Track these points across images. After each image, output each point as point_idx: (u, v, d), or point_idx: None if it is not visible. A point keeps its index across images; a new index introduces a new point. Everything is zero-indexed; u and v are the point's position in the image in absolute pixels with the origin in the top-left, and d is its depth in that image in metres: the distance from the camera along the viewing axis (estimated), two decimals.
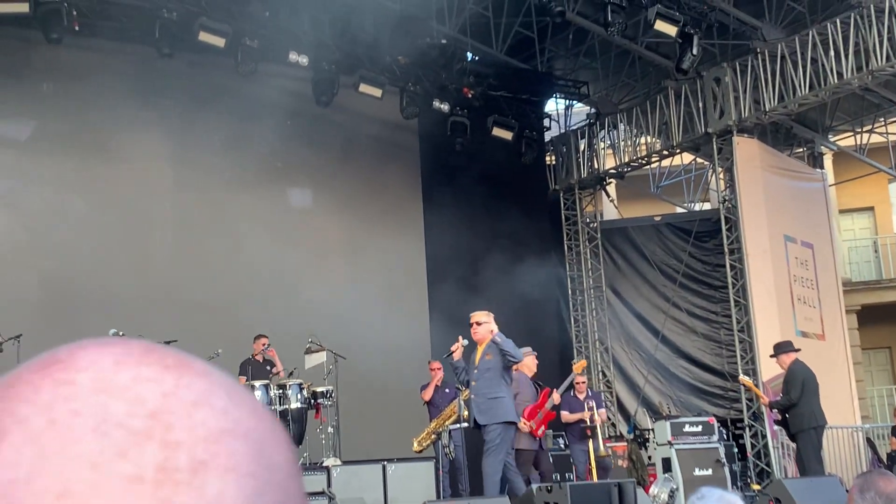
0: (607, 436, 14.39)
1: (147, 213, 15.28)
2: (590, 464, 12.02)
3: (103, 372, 0.53)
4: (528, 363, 11.64)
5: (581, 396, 12.74)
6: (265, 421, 0.57)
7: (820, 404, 11.30)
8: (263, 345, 12.76)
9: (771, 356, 12.22)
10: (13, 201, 14.61)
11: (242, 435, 0.53)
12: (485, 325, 9.75)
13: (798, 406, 11.11)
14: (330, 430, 12.28)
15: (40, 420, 0.50)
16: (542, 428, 11.39)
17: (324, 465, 11.47)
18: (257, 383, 11.80)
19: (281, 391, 11.75)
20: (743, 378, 14.23)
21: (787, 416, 11.34)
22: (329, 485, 10.91)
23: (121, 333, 11.03)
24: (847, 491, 10.08)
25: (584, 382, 13.71)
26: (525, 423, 11.18)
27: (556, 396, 11.48)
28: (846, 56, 14.33)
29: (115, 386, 0.52)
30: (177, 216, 15.58)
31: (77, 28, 13.89)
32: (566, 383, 12.76)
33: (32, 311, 13.90)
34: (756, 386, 13.67)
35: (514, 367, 12.23)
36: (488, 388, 9.56)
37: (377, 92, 15.87)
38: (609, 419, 15.29)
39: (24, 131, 14.98)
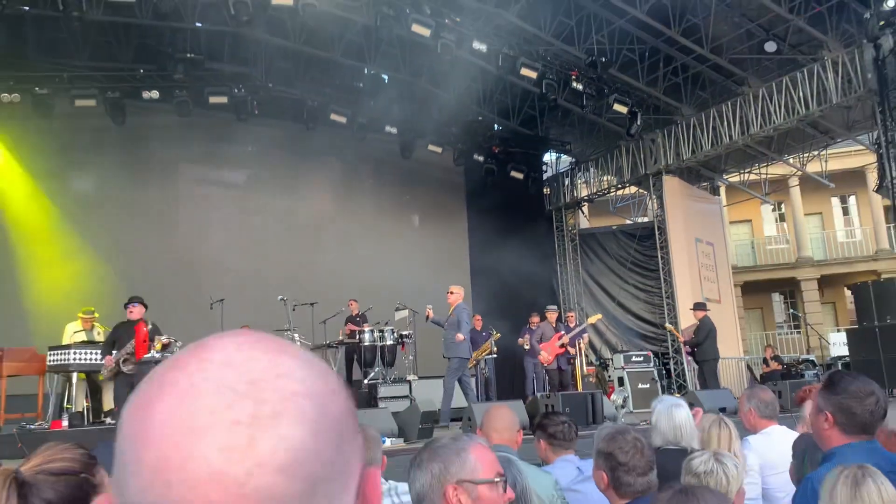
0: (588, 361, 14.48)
1: (316, 233, 15.61)
2: (575, 378, 12.08)
3: (229, 353, 0.54)
4: (551, 317, 11.51)
5: (571, 325, 12.45)
6: (331, 386, 0.56)
7: (716, 345, 11.37)
8: (350, 305, 12.97)
9: (690, 309, 12.28)
10: (234, 225, 14.90)
11: (310, 395, 0.53)
12: (455, 294, 9.78)
13: (703, 345, 11.17)
14: (411, 357, 12.35)
15: (185, 383, 0.52)
16: (550, 358, 11.13)
17: (407, 379, 11.54)
18: (367, 327, 11.99)
19: (380, 333, 11.92)
20: (668, 325, 14.35)
21: (695, 350, 11.42)
22: (410, 391, 11.07)
23: (286, 301, 11.04)
24: (736, 398, 10.19)
25: (572, 316, 13.51)
26: (542, 354, 11.12)
27: (565, 338, 11.23)
28: (734, 125, 14.44)
29: (234, 362, 0.53)
30: (329, 233, 15.82)
31: (256, 112, 14.25)
32: (579, 329, 12.73)
33: (235, 290, 14.25)
34: (677, 330, 13.76)
35: (539, 319, 11.95)
36: (451, 335, 9.55)
37: (439, 149, 16.14)
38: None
39: (241, 177, 15.43)
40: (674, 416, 3.00)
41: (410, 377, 11.83)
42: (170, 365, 0.55)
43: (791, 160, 17.52)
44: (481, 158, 16.60)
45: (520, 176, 17.17)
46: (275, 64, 14.47)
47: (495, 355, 12.63)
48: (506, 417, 2.96)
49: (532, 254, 16.74)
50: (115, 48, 13.27)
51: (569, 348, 11.54)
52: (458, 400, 12.08)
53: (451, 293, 9.84)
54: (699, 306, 11.87)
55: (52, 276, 12.03)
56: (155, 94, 13.18)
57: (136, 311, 7.72)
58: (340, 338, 12.09)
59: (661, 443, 2.97)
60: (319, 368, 0.57)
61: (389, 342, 11.98)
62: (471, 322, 10.08)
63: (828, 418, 2.25)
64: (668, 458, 2.68)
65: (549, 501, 2.68)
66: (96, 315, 9.56)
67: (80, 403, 8.82)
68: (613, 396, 12.01)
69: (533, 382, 12.86)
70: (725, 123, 14.61)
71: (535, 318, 12.92)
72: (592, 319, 12.23)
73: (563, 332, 11.37)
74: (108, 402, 9.06)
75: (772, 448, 3.43)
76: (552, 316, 11.53)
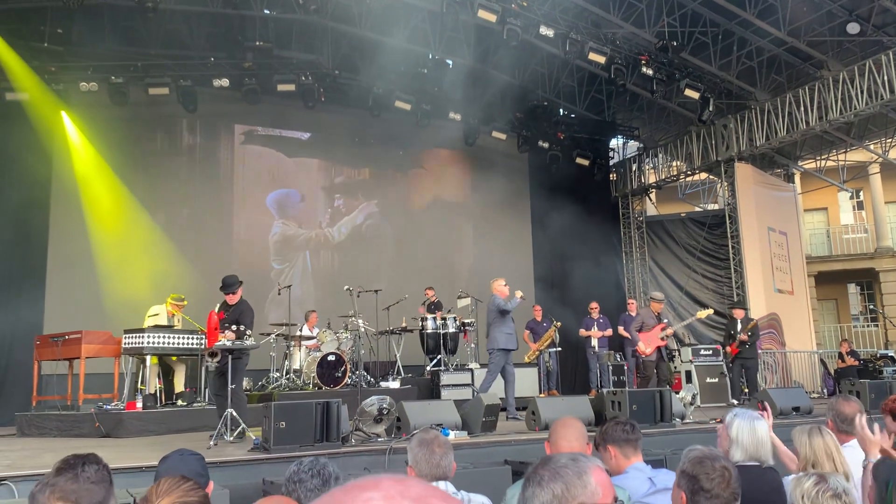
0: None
1: (381, 220, 15.52)
2: (637, 370, 11.72)
3: None
4: (655, 307, 10.71)
5: (632, 313, 12.09)
6: None
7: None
8: (427, 293, 12.95)
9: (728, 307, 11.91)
10: (301, 212, 14.91)
11: None
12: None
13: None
14: (472, 345, 12.47)
15: None
16: (649, 350, 10.35)
17: (468, 367, 11.62)
18: (429, 315, 12.10)
19: (443, 321, 12.01)
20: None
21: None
22: (472, 381, 11.11)
23: (351, 290, 11.22)
24: (808, 393, 9.82)
25: (633, 304, 12.79)
26: (640, 345, 10.45)
27: (669, 330, 10.43)
28: (811, 110, 13.89)
29: None
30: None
31: (322, 99, 14.34)
32: (684, 324, 12.42)
33: (302, 277, 14.44)
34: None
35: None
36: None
37: (503, 136, 16.04)
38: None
39: (308, 164, 15.16)
40: (756, 431, 2.89)
41: (472, 365, 11.85)
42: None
43: (872, 146, 16.79)
44: (546, 145, 16.43)
45: (585, 163, 16.95)
46: (341, 51, 14.55)
47: (559, 348, 12.48)
48: (579, 431, 2.87)
49: (597, 241, 16.55)
50: (187, 37, 13.55)
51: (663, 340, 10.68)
52: (521, 390, 12.04)
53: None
54: (736, 304, 11.47)
55: (128, 262, 12.40)
56: (225, 81, 13.41)
57: (236, 296, 7.61)
58: (404, 325, 12.18)
59: (742, 458, 2.86)
60: None
61: (452, 330, 12.04)
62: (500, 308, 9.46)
63: None
64: (747, 475, 2.57)
65: None
66: (185, 303, 9.83)
67: (153, 385, 9.13)
68: (682, 393, 11.68)
69: (597, 375, 12.65)
70: (802, 109, 14.05)
71: (632, 304, 12.62)
72: (702, 314, 11.19)
73: (665, 323, 10.63)
74: (178, 384, 9.36)
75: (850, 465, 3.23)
76: (656, 306, 10.70)
